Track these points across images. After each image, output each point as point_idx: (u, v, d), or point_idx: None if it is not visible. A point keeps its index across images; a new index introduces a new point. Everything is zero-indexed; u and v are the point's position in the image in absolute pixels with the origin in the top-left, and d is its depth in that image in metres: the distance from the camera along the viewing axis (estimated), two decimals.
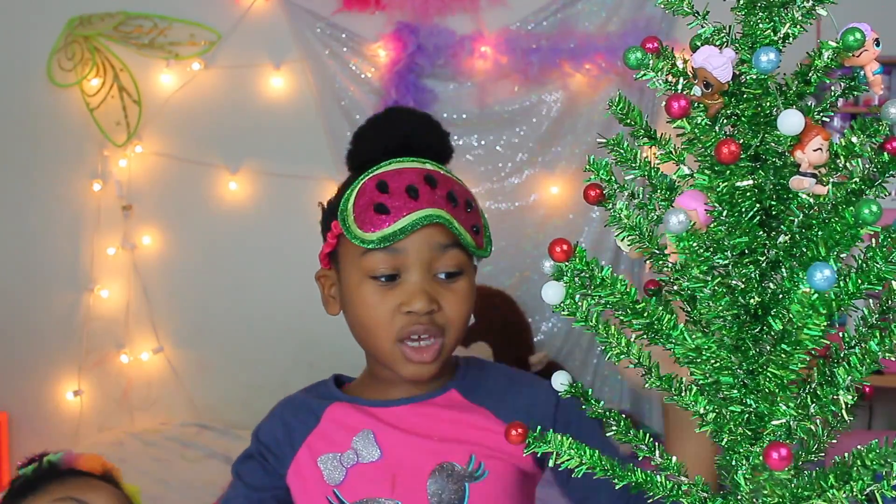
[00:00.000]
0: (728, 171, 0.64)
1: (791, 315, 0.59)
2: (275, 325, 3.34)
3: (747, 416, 0.66)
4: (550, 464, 0.70)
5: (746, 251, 0.66)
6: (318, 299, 3.56)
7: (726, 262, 0.65)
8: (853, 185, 0.65)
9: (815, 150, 0.62)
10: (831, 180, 0.64)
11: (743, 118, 0.67)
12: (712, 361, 0.65)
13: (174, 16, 3.23)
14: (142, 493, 1.32)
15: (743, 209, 0.64)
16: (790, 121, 0.62)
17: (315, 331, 3.30)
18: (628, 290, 0.67)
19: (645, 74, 0.67)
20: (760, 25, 0.67)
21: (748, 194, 0.65)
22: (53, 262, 3.35)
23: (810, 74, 0.68)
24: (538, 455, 1.08)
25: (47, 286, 3.35)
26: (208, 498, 2.56)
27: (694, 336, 0.65)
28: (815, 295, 0.57)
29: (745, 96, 0.66)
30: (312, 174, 3.26)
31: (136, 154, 3.30)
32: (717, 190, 0.64)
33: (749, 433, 0.66)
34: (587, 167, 0.70)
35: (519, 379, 1.16)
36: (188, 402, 3.37)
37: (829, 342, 0.65)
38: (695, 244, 0.62)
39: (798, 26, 0.66)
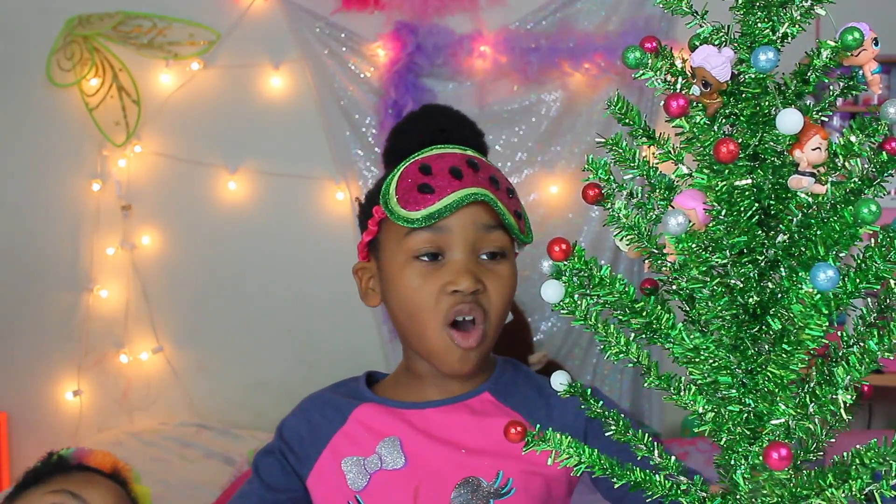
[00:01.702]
0: (727, 171, 0.64)
1: (792, 315, 0.59)
2: (274, 325, 3.34)
3: (746, 415, 0.66)
4: (549, 462, 0.69)
5: (745, 251, 0.66)
6: (318, 299, 3.54)
7: (725, 261, 0.65)
8: (852, 185, 0.65)
9: (813, 150, 0.63)
10: (830, 179, 0.64)
11: (741, 117, 0.67)
12: (711, 361, 0.66)
13: (173, 15, 3.23)
14: None
15: (741, 208, 0.64)
16: (789, 120, 0.62)
17: (314, 331, 3.30)
18: (627, 289, 0.67)
19: (644, 74, 0.67)
20: (759, 25, 0.67)
21: (746, 193, 0.65)
22: (53, 262, 3.34)
23: (809, 74, 0.68)
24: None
25: (47, 286, 3.35)
26: (208, 498, 2.56)
27: (692, 336, 0.65)
28: (818, 295, 0.57)
29: (743, 96, 0.66)
30: (311, 174, 3.26)
31: (135, 154, 3.30)
32: (716, 189, 0.64)
33: (748, 433, 0.66)
34: (586, 167, 0.71)
35: (551, 391, 1.14)
36: (187, 402, 3.37)
37: (827, 342, 0.65)
38: (693, 245, 0.62)
39: (796, 26, 0.67)
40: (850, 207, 0.59)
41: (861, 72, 0.67)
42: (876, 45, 0.65)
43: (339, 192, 3.27)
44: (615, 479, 0.70)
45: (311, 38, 3.22)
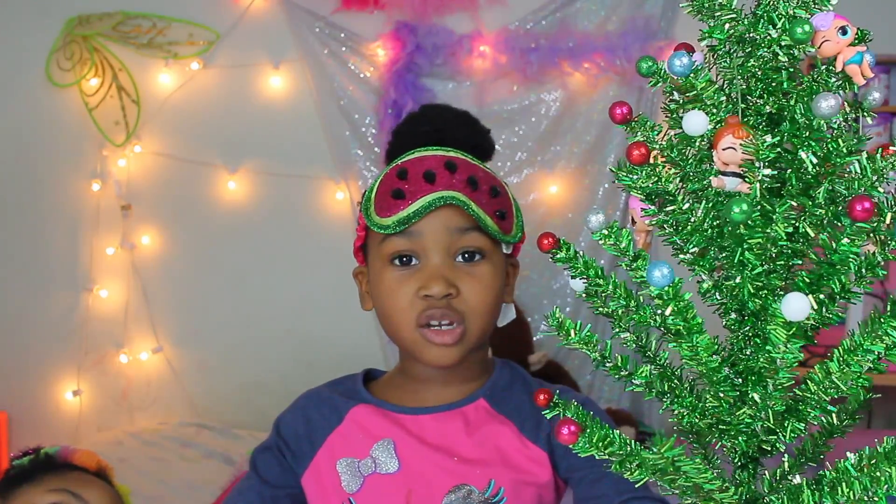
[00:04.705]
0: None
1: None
2: (274, 325, 3.34)
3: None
4: (595, 454, 0.68)
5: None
6: (317, 299, 3.53)
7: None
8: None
9: (724, 150, 0.62)
10: (760, 178, 0.62)
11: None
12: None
13: (173, 15, 3.23)
14: (141, 493, 1.32)
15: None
16: (693, 122, 0.62)
17: (314, 331, 3.30)
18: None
19: (656, 82, 0.67)
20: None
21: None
22: (53, 262, 3.34)
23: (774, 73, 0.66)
24: (559, 470, 1.08)
25: (46, 286, 3.35)
26: (208, 498, 2.56)
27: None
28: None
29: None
30: (311, 174, 3.26)
31: (134, 154, 3.30)
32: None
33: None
34: (628, 130, 0.69)
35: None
36: (187, 402, 3.37)
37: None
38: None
39: None
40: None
41: (824, 66, 0.64)
42: (843, 34, 0.62)
43: (339, 192, 3.27)
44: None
45: (310, 37, 3.22)
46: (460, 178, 1.03)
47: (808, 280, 0.63)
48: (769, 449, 0.67)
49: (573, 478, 1.08)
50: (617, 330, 0.70)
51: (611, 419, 1.14)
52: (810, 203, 0.63)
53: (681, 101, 0.68)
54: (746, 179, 0.62)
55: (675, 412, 0.68)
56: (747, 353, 0.66)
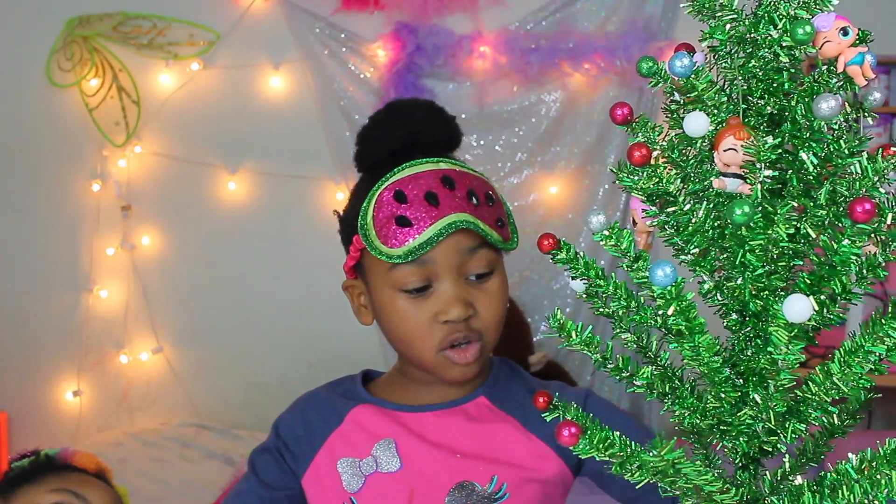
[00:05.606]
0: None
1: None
2: (274, 325, 3.34)
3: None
4: (596, 456, 0.68)
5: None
6: (317, 299, 3.53)
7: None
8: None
9: (726, 151, 0.62)
10: (761, 179, 0.63)
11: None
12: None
13: (173, 16, 3.23)
14: (141, 494, 1.32)
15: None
16: (694, 123, 0.62)
17: (314, 331, 3.30)
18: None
19: (656, 83, 0.67)
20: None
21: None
22: (53, 263, 3.34)
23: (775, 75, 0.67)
24: (581, 467, 1.08)
25: (47, 287, 3.35)
26: (208, 498, 2.56)
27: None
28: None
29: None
30: (311, 174, 3.26)
31: (135, 154, 3.30)
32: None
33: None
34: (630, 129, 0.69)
35: (545, 389, 1.14)
36: (187, 403, 3.37)
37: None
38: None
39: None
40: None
41: (825, 66, 0.64)
42: (845, 35, 0.62)
43: (339, 192, 3.27)
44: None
45: (310, 38, 3.23)
46: (461, 195, 1.02)
47: (809, 281, 0.63)
48: (770, 450, 0.67)
49: (604, 472, 1.06)
50: (618, 331, 0.70)
51: (616, 408, 1.14)
52: (811, 204, 0.63)
53: (682, 101, 0.68)
54: (748, 181, 0.62)
55: (677, 413, 0.68)
56: (748, 354, 0.66)
